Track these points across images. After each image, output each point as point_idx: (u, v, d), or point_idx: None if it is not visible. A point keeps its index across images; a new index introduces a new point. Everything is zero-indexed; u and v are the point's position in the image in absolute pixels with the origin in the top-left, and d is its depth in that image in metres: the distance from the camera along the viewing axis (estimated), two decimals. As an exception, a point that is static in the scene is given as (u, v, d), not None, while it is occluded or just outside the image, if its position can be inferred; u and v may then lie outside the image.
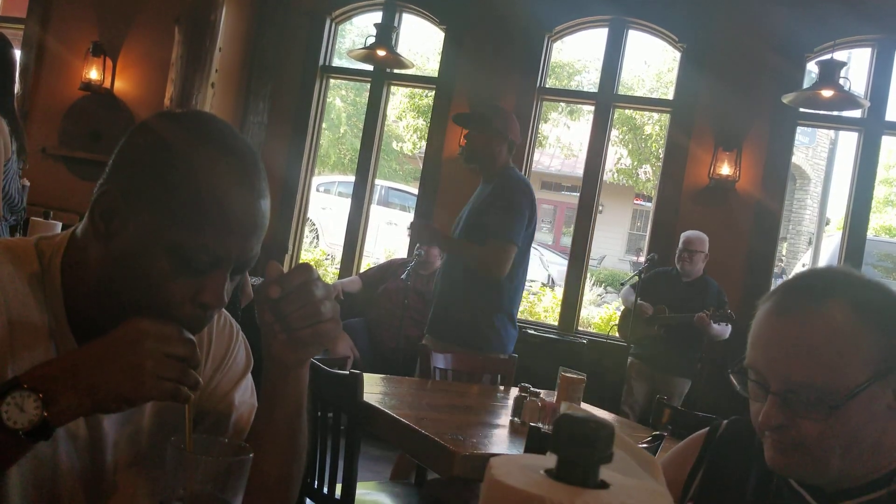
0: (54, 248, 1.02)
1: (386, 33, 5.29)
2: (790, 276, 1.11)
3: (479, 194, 3.54)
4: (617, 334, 5.18)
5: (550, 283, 11.81)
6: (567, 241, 6.33)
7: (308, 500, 2.59)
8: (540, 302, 9.00)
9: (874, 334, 1.00)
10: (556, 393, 2.73)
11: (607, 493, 0.53)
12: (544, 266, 12.97)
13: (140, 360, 0.87)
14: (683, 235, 4.85)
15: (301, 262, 0.99)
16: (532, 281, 11.31)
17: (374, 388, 2.66)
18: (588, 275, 5.71)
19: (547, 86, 6.03)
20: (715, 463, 1.20)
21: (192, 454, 0.89)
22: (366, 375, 2.57)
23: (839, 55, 4.76)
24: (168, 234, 0.94)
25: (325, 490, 2.48)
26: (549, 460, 0.57)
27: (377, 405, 2.42)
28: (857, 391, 0.98)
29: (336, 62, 6.66)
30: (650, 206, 9.75)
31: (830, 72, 4.55)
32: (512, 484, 0.53)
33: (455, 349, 3.35)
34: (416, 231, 3.67)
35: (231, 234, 0.96)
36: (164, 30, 5.69)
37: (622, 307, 5.20)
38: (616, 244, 17.72)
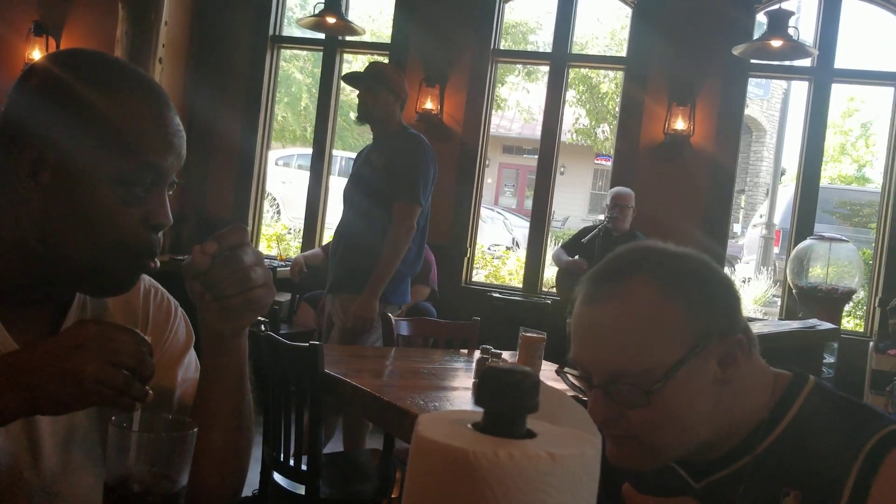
0: None
1: None
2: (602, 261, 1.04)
3: (378, 154, 3.48)
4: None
5: (515, 246, 11.85)
6: (530, 204, 6.32)
7: (275, 474, 2.59)
8: (504, 265, 9.02)
9: (681, 308, 0.95)
10: (517, 353, 2.75)
11: (533, 441, 0.53)
12: (508, 230, 12.99)
13: (81, 366, 0.84)
14: (612, 191, 4.93)
15: (236, 223, 1.02)
16: (496, 245, 11.33)
17: (335, 359, 2.65)
18: (551, 236, 5.73)
19: (501, 47, 5.99)
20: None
21: (135, 432, 0.88)
22: (326, 346, 2.57)
23: (788, 4, 4.78)
24: (108, 166, 0.95)
25: (292, 462, 2.48)
26: (478, 414, 0.56)
27: (339, 375, 2.42)
28: (672, 371, 0.93)
29: (289, 31, 6.53)
30: (610, 165, 9.78)
31: (780, 21, 4.57)
32: (436, 439, 0.52)
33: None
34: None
35: (163, 146, 0.98)
36: (107, 5, 5.53)
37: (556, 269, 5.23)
38: (578, 204, 17.80)
